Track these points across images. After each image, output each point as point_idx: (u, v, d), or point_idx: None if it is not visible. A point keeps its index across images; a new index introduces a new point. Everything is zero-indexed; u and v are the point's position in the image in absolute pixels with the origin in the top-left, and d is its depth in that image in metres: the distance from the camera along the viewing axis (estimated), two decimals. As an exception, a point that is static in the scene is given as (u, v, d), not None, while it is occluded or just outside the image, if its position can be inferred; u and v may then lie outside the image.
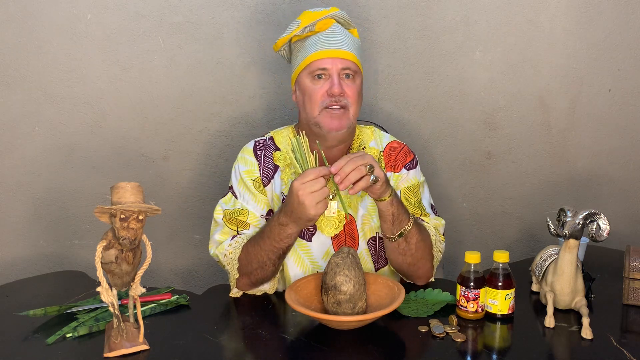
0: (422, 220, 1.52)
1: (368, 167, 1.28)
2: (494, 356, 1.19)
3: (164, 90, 1.90)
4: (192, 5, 1.86)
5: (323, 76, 1.45)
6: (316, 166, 1.32)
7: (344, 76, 1.45)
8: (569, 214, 1.33)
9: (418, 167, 1.59)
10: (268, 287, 1.48)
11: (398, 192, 1.53)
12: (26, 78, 1.83)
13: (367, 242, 1.52)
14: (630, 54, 2.03)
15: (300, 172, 1.32)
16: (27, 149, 1.88)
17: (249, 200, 1.50)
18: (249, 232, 1.47)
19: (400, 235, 1.40)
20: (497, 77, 2.02)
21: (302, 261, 1.49)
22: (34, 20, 1.80)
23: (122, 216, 1.10)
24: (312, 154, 1.35)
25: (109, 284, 1.18)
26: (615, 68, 2.04)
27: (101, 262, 1.14)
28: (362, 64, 1.52)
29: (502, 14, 1.97)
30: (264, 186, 1.51)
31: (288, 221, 1.33)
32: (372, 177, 1.29)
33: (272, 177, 1.52)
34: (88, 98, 1.87)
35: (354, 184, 1.29)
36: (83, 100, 1.87)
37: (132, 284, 1.20)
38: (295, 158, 1.34)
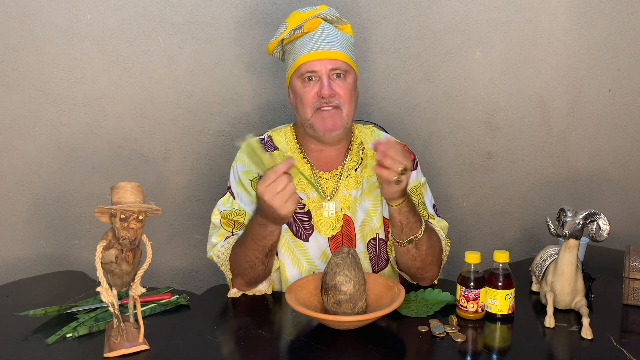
0: (429, 223, 1.51)
1: (402, 167, 1.26)
2: (494, 356, 1.19)
3: (164, 90, 1.90)
4: (192, 5, 1.86)
5: (313, 78, 1.44)
6: (275, 164, 1.26)
7: (334, 76, 1.44)
8: (569, 214, 1.33)
9: (419, 167, 1.59)
10: (265, 288, 1.48)
11: None
12: (26, 78, 1.83)
13: (367, 243, 1.52)
14: (630, 54, 2.03)
15: (262, 174, 1.27)
16: (27, 149, 1.88)
17: (246, 201, 1.50)
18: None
19: (410, 242, 1.40)
20: (497, 77, 2.02)
21: (299, 261, 1.49)
22: (34, 20, 1.80)
23: (122, 216, 1.10)
24: (267, 154, 1.29)
25: (109, 284, 1.18)
26: (615, 68, 2.04)
27: (101, 262, 1.14)
28: (355, 61, 1.51)
29: (502, 14, 1.97)
30: None
31: (265, 221, 1.32)
32: (395, 177, 1.26)
33: None
34: (88, 98, 1.87)
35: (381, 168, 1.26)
36: (83, 100, 1.87)
37: (132, 284, 1.20)
38: (253, 162, 1.28)
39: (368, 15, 1.93)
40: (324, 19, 1.48)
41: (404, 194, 1.34)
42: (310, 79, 1.44)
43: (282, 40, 1.51)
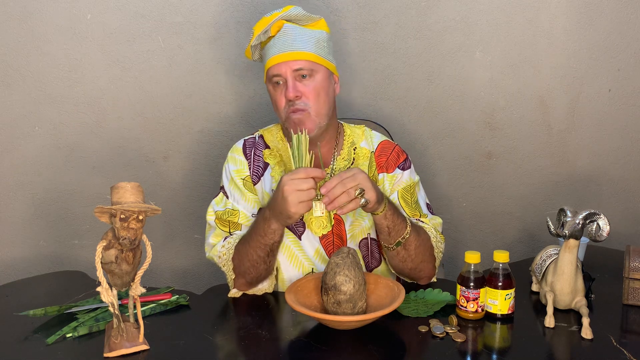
0: (421, 221, 1.52)
1: (358, 190, 1.27)
2: (494, 356, 1.19)
3: (164, 90, 1.90)
4: (192, 5, 1.86)
5: (280, 82, 1.44)
6: (310, 167, 1.32)
7: (300, 77, 1.43)
8: (569, 214, 1.33)
9: (412, 167, 1.59)
10: (267, 286, 1.48)
11: (395, 194, 1.53)
12: (26, 78, 1.83)
13: (359, 243, 1.52)
14: (630, 54, 2.03)
15: (294, 168, 1.33)
16: (27, 149, 1.88)
17: (239, 200, 1.50)
18: (240, 233, 1.47)
19: (398, 244, 1.40)
20: (497, 77, 2.02)
21: (297, 259, 1.50)
22: (34, 20, 1.80)
23: (122, 216, 1.10)
24: (310, 154, 1.35)
25: (109, 284, 1.18)
26: (615, 68, 2.04)
27: (101, 262, 1.14)
28: (329, 57, 1.48)
29: (502, 14, 1.97)
30: (254, 184, 1.52)
31: (270, 216, 1.34)
32: (362, 201, 1.28)
33: (262, 175, 1.52)
34: (88, 98, 1.87)
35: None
36: (83, 100, 1.87)
37: (132, 284, 1.20)
38: (292, 154, 1.34)
39: (368, 15, 1.93)
40: (288, 20, 1.45)
41: (382, 199, 1.34)
42: (278, 83, 1.44)
43: (260, 45, 1.50)
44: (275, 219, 1.33)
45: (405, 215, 1.46)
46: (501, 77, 2.02)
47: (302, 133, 1.35)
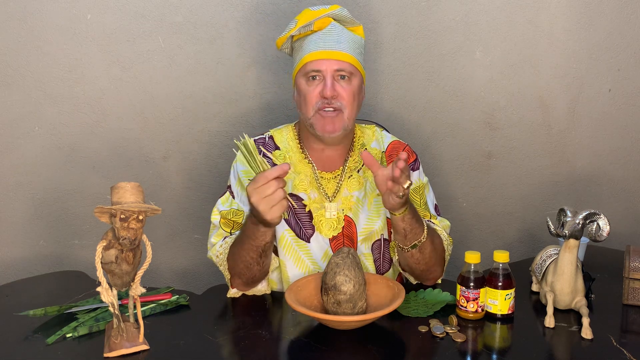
0: (431, 222, 1.51)
1: (409, 183, 1.26)
2: (494, 356, 1.19)
3: (164, 90, 1.90)
4: (192, 5, 1.86)
5: (317, 77, 1.43)
6: (268, 169, 1.26)
7: (338, 77, 1.43)
8: (569, 214, 1.33)
9: (421, 167, 1.58)
10: (264, 288, 1.48)
11: None
12: (26, 78, 1.83)
13: (372, 245, 1.51)
14: (630, 54, 2.03)
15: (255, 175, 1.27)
16: (27, 149, 1.88)
17: (245, 201, 1.49)
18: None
19: (414, 247, 1.39)
20: (497, 77, 2.02)
21: (303, 262, 1.49)
22: (34, 20, 1.80)
23: (122, 216, 1.10)
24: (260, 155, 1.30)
25: (109, 284, 1.18)
26: (615, 68, 2.04)
27: (101, 262, 1.14)
28: (363, 63, 1.50)
29: (502, 14, 1.97)
30: None
31: (257, 221, 1.32)
32: (401, 193, 1.27)
33: None
34: (88, 98, 1.87)
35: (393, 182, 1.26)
36: (83, 100, 1.87)
37: (132, 284, 1.20)
38: (248, 163, 1.29)
39: (368, 15, 1.93)
40: (334, 19, 1.47)
41: (406, 202, 1.33)
42: (314, 78, 1.43)
43: (292, 36, 1.50)
44: (261, 223, 1.32)
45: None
46: (501, 77, 2.02)
47: (243, 139, 1.28)
